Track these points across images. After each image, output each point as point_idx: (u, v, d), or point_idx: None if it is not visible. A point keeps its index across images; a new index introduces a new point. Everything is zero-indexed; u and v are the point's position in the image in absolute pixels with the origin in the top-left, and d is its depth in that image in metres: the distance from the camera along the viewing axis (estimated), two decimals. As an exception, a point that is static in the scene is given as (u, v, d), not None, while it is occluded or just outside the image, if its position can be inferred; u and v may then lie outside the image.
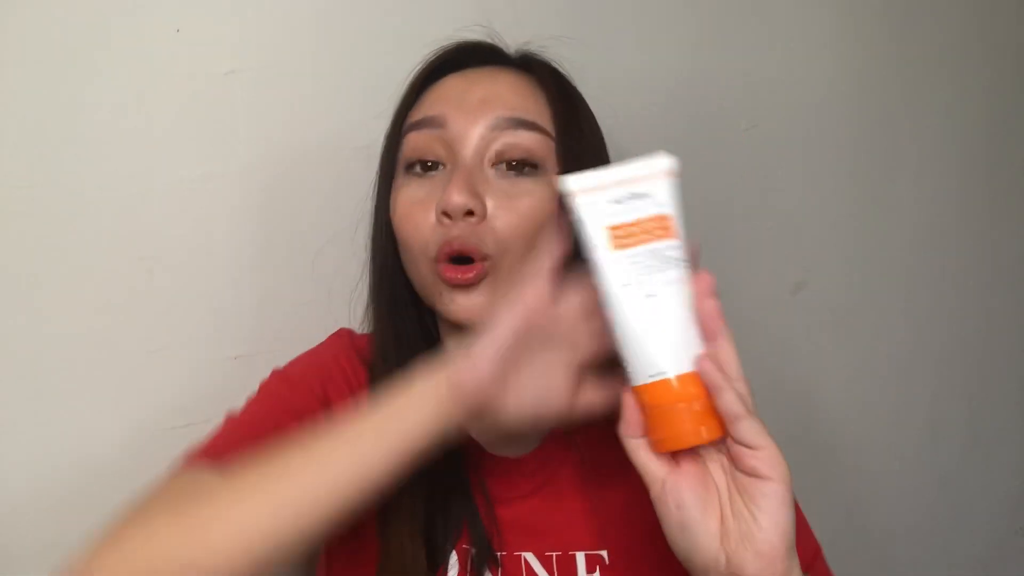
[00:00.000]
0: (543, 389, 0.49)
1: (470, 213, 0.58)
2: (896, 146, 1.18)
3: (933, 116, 1.20)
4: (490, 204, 0.59)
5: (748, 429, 0.45)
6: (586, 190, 0.48)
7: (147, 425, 0.80)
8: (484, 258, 0.59)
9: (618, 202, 0.47)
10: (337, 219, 0.75)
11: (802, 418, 1.16)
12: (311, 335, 0.80)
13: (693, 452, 0.47)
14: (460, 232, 0.58)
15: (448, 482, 0.62)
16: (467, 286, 0.59)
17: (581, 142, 0.62)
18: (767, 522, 0.44)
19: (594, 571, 0.62)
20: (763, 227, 1.09)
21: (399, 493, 0.61)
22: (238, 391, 0.83)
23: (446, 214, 0.58)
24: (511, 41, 0.71)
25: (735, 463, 0.46)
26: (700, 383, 0.45)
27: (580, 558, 0.63)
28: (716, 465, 0.48)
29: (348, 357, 0.68)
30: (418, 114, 0.63)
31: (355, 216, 0.72)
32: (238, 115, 0.80)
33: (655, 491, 0.48)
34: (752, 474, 0.45)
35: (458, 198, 0.57)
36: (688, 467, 0.48)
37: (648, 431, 0.46)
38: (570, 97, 0.64)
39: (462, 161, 0.59)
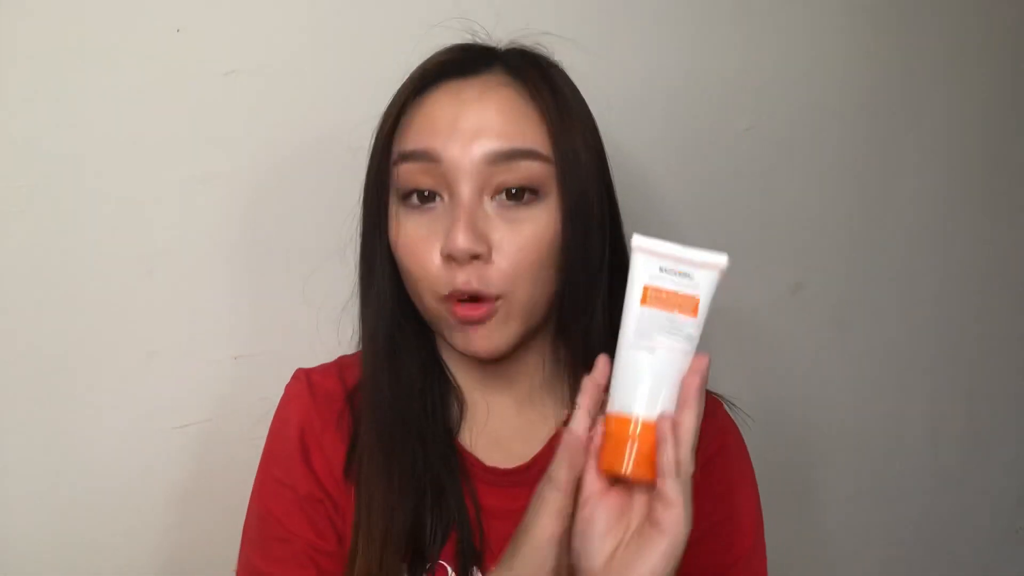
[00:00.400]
0: None
1: (476, 256, 0.58)
2: (895, 146, 1.18)
3: (932, 116, 1.20)
4: (495, 238, 0.59)
5: (671, 486, 0.50)
6: (645, 250, 0.56)
7: (147, 425, 0.80)
8: (495, 298, 0.60)
9: (665, 271, 0.55)
10: (338, 219, 0.75)
11: (802, 418, 1.16)
12: (311, 335, 0.80)
13: (627, 487, 0.54)
14: (468, 276, 0.58)
15: (439, 486, 0.63)
16: (479, 322, 0.60)
17: (577, 156, 0.61)
18: (644, 568, 0.50)
19: None
20: (763, 227, 1.09)
21: (387, 492, 0.61)
22: (238, 391, 0.83)
23: (452, 257, 0.58)
24: (508, 35, 0.69)
25: (648, 511, 0.51)
26: (654, 434, 0.52)
27: None
28: (639, 507, 0.53)
29: (308, 409, 0.67)
30: (409, 143, 0.61)
31: (356, 216, 0.72)
32: (238, 115, 0.80)
33: (582, 499, 0.53)
34: (654, 524, 0.50)
35: (464, 243, 0.57)
36: (616, 495, 0.53)
37: (599, 451, 0.54)
38: (562, 100, 0.63)
39: (460, 198, 0.59)
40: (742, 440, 0.72)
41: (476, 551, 0.62)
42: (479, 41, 0.68)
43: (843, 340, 1.17)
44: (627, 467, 0.52)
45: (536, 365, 0.67)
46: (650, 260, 0.56)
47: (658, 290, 0.56)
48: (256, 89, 0.81)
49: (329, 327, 0.75)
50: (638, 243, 0.57)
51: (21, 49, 0.73)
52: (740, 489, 0.70)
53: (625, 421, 0.53)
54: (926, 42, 1.17)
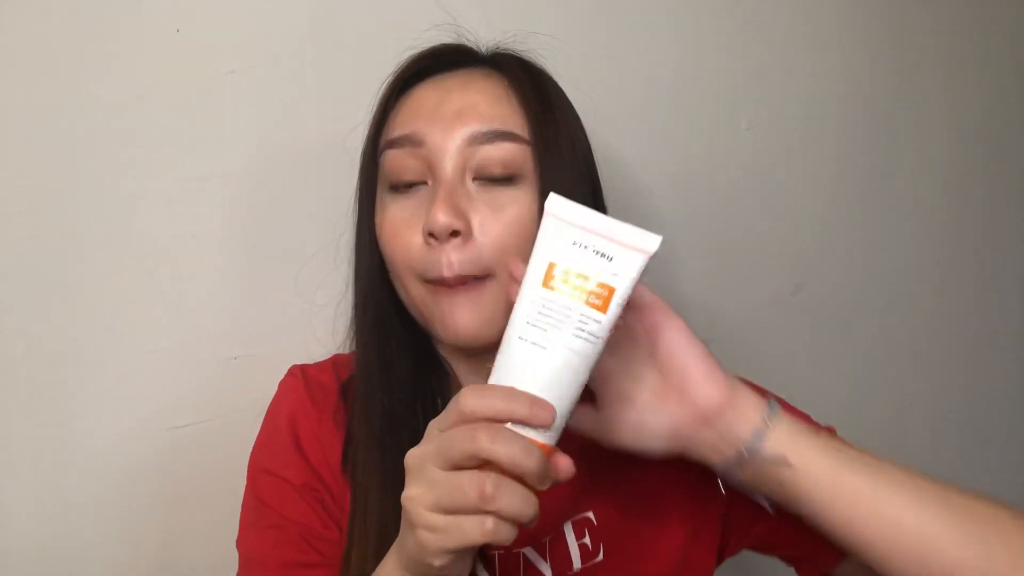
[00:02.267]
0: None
1: (455, 233, 0.58)
2: (896, 146, 1.18)
3: (932, 116, 1.20)
4: (475, 220, 0.59)
5: (643, 292, 0.54)
6: (559, 217, 0.47)
7: (147, 425, 0.80)
8: (477, 279, 0.60)
9: (580, 246, 0.46)
10: (338, 219, 0.75)
11: (802, 418, 1.16)
12: (311, 335, 0.80)
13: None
14: (450, 258, 0.58)
15: None
16: (463, 303, 0.60)
17: (557, 143, 0.62)
18: (688, 359, 0.53)
19: (583, 536, 0.63)
20: (763, 227, 1.09)
21: (381, 490, 0.61)
22: (238, 391, 0.83)
23: (432, 235, 0.58)
24: (502, 38, 0.70)
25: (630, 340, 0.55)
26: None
27: (568, 529, 0.63)
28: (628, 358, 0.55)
29: (303, 402, 0.67)
30: (394, 131, 0.63)
31: (352, 215, 0.72)
32: (238, 115, 0.80)
33: (596, 437, 0.55)
34: (647, 332, 0.55)
35: (443, 218, 0.57)
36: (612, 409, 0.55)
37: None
38: (543, 93, 0.64)
39: (443, 178, 0.60)
40: None
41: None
42: (467, 43, 0.69)
43: (843, 340, 1.17)
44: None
45: None
46: (562, 229, 0.46)
47: (566, 271, 0.45)
48: (256, 89, 0.81)
49: (325, 327, 0.75)
50: (553, 206, 0.47)
51: (21, 49, 0.73)
52: None
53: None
54: (926, 42, 1.17)
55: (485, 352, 0.63)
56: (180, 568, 0.83)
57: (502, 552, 0.62)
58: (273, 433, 0.67)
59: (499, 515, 0.43)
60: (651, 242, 0.46)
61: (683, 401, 0.53)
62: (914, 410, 1.25)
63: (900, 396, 1.23)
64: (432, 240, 0.59)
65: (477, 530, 0.43)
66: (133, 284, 0.79)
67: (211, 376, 0.82)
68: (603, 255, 0.45)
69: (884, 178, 1.17)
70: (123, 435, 0.79)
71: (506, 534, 0.44)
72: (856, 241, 1.16)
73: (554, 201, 0.48)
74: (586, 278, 0.45)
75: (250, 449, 0.68)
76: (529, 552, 0.63)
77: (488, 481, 0.43)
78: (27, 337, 0.76)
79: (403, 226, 0.61)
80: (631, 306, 0.50)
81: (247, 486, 0.66)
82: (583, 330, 0.45)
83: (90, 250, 0.77)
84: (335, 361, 0.71)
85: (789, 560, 0.68)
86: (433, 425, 0.47)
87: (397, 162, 0.62)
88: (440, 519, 0.44)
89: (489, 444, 0.43)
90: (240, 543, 0.65)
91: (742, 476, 0.53)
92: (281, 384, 0.70)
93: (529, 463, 0.43)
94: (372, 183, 0.65)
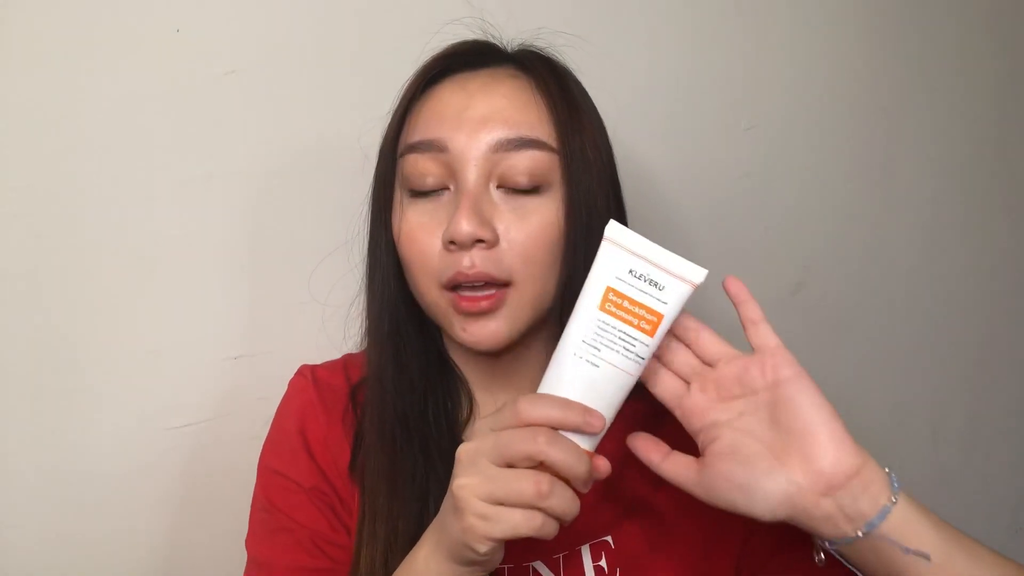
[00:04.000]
0: None
1: (480, 241, 0.57)
2: (896, 146, 1.18)
3: (933, 116, 1.20)
4: (500, 227, 0.58)
5: (764, 332, 0.54)
6: (618, 244, 0.50)
7: (147, 425, 0.80)
8: (501, 284, 0.58)
9: (634, 275, 0.49)
10: (338, 219, 0.75)
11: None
12: (312, 335, 0.80)
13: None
14: (472, 261, 0.57)
15: (444, 490, 0.63)
16: (484, 314, 0.59)
17: (584, 151, 0.61)
18: (813, 416, 0.50)
19: (600, 559, 0.63)
20: (763, 227, 1.09)
21: (390, 497, 0.61)
22: (238, 391, 0.83)
23: (454, 243, 0.57)
24: (511, 34, 0.69)
25: (758, 389, 0.52)
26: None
27: (585, 551, 0.63)
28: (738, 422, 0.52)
29: (313, 403, 0.67)
30: (416, 134, 0.61)
31: (356, 217, 0.72)
32: (238, 115, 0.80)
33: (696, 493, 0.52)
34: (777, 383, 0.52)
35: (467, 227, 0.56)
36: (718, 451, 0.51)
37: None
38: (570, 96, 0.63)
39: (466, 185, 0.58)
40: None
41: None
42: (490, 39, 0.68)
43: (843, 340, 1.17)
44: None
45: (539, 360, 0.67)
46: (621, 257, 0.50)
47: (621, 296, 0.49)
48: (256, 89, 0.81)
49: (335, 326, 0.75)
50: (612, 232, 0.50)
51: (21, 49, 0.73)
52: None
53: None
54: (926, 42, 1.17)
55: (498, 355, 0.63)
56: (181, 567, 0.83)
57: (512, 566, 0.62)
58: (283, 434, 0.67)
59: (549, 512, 0.47)
60: (698, 274, 0.50)
61: (807, 466, 0.49)
62: (914, 410, 1.25)
63: (900, 396, 1.23)
64: (452, 247, 0.58)
65: (527, 523, 0.47)
66: (133, 284, 0.79)
67: (211, 376, 0.82)
68: (654, 283, 0.49)
69: (884, 178, 1.17)
70: (124, 435, 0.79)
71: (551, 530, 0.48)
72: (856, 241, 1.16)
73: (613, 229, 0.50)
74: (639, 304, 0.49)
75: (250, 449, 0.68)
76: (541, 568, 0.63)
77: (544, 480, 0.47)
78: (28, 337, 0.76)
79: (422, 231, 0.60)
80: (754, 351, 0.53)
81: (257, 484, 0.66)
82: (631, 351, 0.49)
83: (91, 250, 0.77)
84: (345, 362, 0.71)
85: None
86: (485, 424, 0.51)
87: (418, 166, 0.60)
88: (492, 509, 0.47)
89: (547, 447, 0.47)
90: (249, 544, 0.65)
91: (850, 552, 0.49)
92: (291, 384, 0.69)
93: (579, 468, 0.48)
94: (390, 184, 0.63)
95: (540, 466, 0.48)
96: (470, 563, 0.51)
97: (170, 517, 0.82)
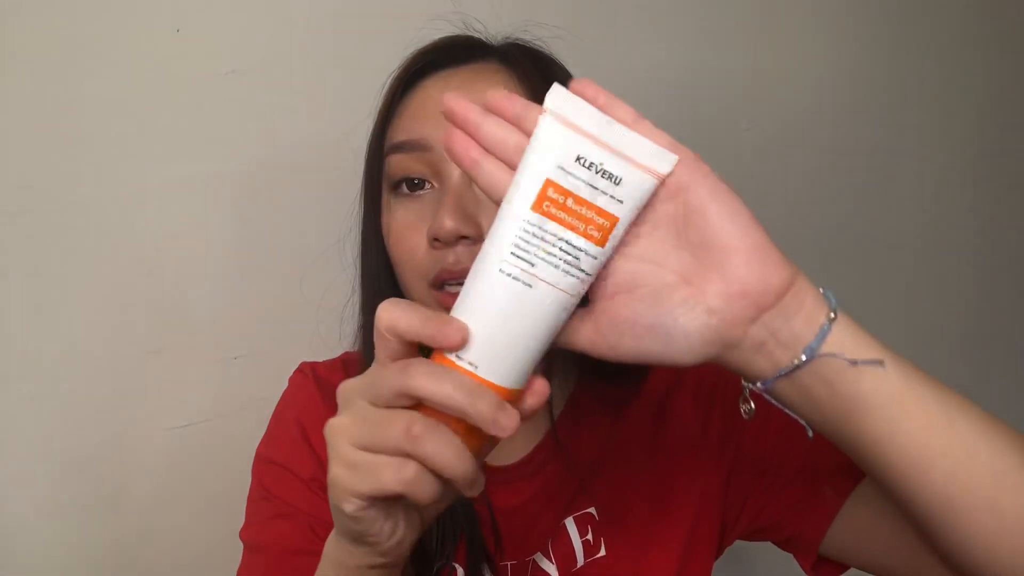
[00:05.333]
0: None
1: (464, 237, 0.57)
2: (896, 146, 1.18)
3: (932, 116, 1.20)
4: (485, 223, 0.57)
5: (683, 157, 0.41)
6: (563, 119, 0.37)
7: (147, 425, 0.80)
8: None
9: (583, 163, 0.37)
10: (338, 219, 0.75)
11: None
12: (311, 335, 0.80)
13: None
14: (457, 257, 0.56)
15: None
16: None
17: None
18: (718, 233, 0.39)
19: (586, 532, 0.63)
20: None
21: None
22: (238, 391, 0.83)
23: (438, 239, 0.57)
24: (506, 30, 0.69)
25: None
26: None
27: (570, 524, 0.63)
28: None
29: (314, 398, 0.67)
30: (400, 134, 0.61)
31: (356, 216, 0.72)
32: (238, 115, 0.80)
33: (598, 352, 0.41)
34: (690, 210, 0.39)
35: (450, 223, 0.55)
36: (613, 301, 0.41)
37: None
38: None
39: (450, 182, 0.58)
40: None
41: (487, 552, 0.62)
42: (474, 35, 0.67)
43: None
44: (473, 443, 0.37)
45: None
46: (567, 138, 0.37)
47: (564, 192, 0.36)
48: (256, 89, 0.81)
49: (329, 326, 0.75)
50: (556, 102, 0.37)
51: (21, 49, 0.73)
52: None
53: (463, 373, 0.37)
54: (926, 42, 1.17)
55: None
56: (181, 567, 0.83)
57: (515, 563, 0.62)
58: (282, 427, 0.67)
59: (424, 462, 0.37)
60: (666, 161, 0.38)
61: (728, 289, 0.39)
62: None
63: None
64: (437, 243, 0.58)
65: (393, 475, 0.37)
66: (133, 284, 0.79)
67: (211, 376, 0.82)
68: (609, 176, 0.37)
69: (883, 178, 1.17)
70: (124, 435, 0.79)
71: (426, 490, 0.37)
72: (856, 241, 1.16)
73: (558, 96, 0.37)
74: (588, 204, 0.37)
75: (249, 449, 0.68)
76: (541, 561, 0.63)
77: (418, 421, 0.36)
78: (28, 337, 0.76)
79: (409, 230, 0.60)
80: None
81: (253, 480, 0.66)
82: (575, 266, 0.37)
83: (90, 250, 0.77)
84: (345, 360, 0.71)
85: (781, 542, 0.66)
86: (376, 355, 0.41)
87: (403, 166, 0.60)
88: (359, 456, 0.38)
89: (420, 379, 0.37)
90: (245, 534, 0.65)
91: (788, 390, 0.41)
92: (291, 380, 0.70)
93: (466, 402, 0.36)
94: (377, 184, 0.64)
95: (424, 409, 0.37)
96: (355, 539, 0.42)
97: (170, 517, 0.82)
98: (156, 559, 0.82)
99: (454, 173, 0.58)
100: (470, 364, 0.37)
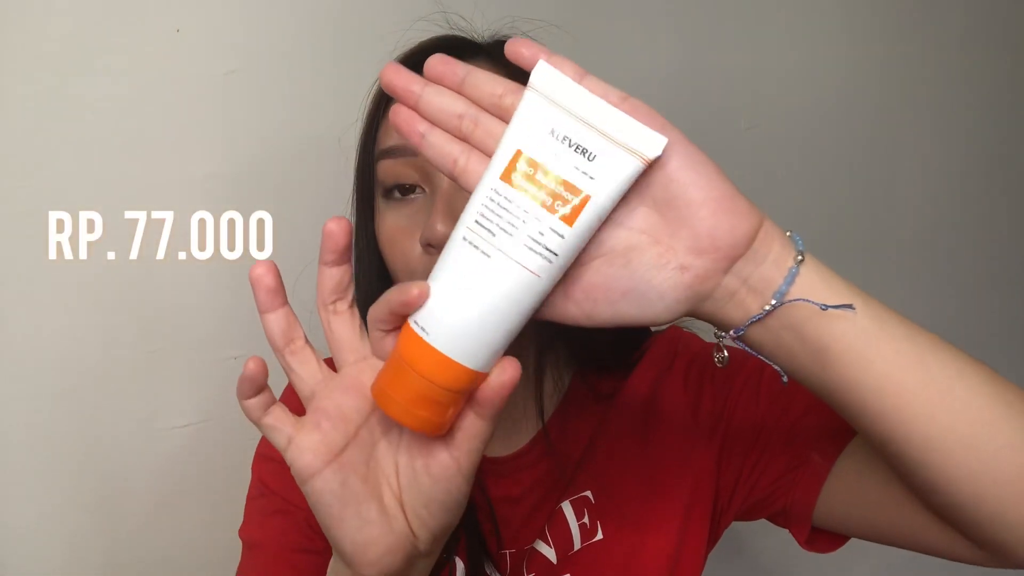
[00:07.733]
0: None
1: None
2: (895, 146, 1.18)
3: (933, 116, 1.20)
4: None
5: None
6: (544, 93, 0.36)
7: (147, 425, 0.80)
8: None
9: (557, 136, 0.36)
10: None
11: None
12: (310, 334, 0.80)
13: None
14: None
15: None
16: None
17: None
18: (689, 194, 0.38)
19: (583, 515, 0.63)
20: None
21: None
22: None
23: (431, 245, 0.57)
24: (499, 26, 0.68)
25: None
26: (446, 375, 0.37)
27: (567, 508, 0.63)
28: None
29: None
30: (389, 139, 0.61)
31: (351, 219, 0.72)
32: (238, 115, 0.80)
33: (573, 319, 0.40)
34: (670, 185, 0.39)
35: (442, 228, 0.55)
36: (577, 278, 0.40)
37: (383, 377, 0.39)
38: None
39: (440, 186, 0.58)
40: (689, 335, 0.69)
41: (486, 546, 0.62)
42: (460, 34, 0.67)
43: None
44: (398, 408, 0.37)
45: (526, 348, 0.65)
46: (545, 111, 0.36)
47: (534, 164, 0.35)
48: (256, 89, 0.81)
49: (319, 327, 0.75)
50: (540, 79, 0.37)
51: (21, 49, 0.73)
52: (742, 364, 0.64)
53: (418, 343, 0.36)
54: (926, 42, 1.17)
55: None
56: (181, 567, 0.83)
57: (514, 551, 0.62)
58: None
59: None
60: (653, 144, 0.36)
61: (699, 243, 0.38)
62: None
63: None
64: (431, 249, 0.58)
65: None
66: (133, 284, 0.79)
67: (211, 376, 0.82)
68: (583, 150, 0.35)
69: (884, 178, 1.17)
70: (124, 435, 0.79)
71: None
72: (856, 241, 1.16)
73: (542, 72, 0.37)
74: (555, 177, 0.35)
75: (249, 449, 0.68)
76: (540, 547, 0.63)
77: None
78: (28, 338, 0.76)
79: (401, 234, 0.60)
80: None
81: (252, 479, 0.66)
82: (537, 242, 0.35)
83: (90, 250, 0.77)
84: None
85: (775, 516, 0.66)
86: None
87: (393, 172, 0.60)
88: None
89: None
90: (243, 531, 0.65)
91: (762, 336, 0.40)
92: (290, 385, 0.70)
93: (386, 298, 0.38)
94: (369, 189, 0.64)
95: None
96: (335, 544, 0.43)
97: (170, 517, 0.82)
98: (156, 559, 0.82)
99: (444, 178, 0.58)
100: (422, 330, 0.36)
